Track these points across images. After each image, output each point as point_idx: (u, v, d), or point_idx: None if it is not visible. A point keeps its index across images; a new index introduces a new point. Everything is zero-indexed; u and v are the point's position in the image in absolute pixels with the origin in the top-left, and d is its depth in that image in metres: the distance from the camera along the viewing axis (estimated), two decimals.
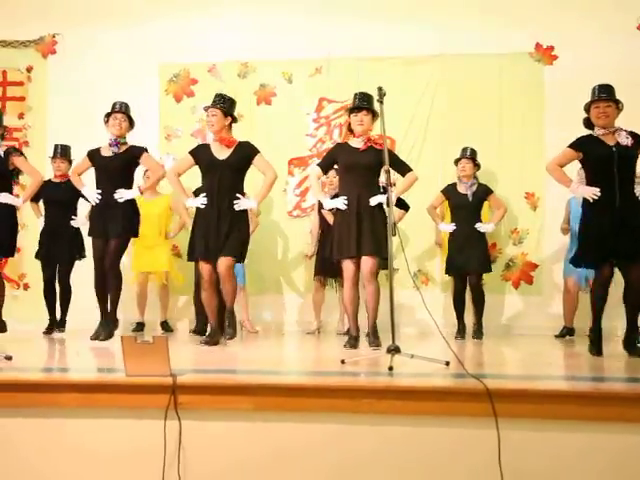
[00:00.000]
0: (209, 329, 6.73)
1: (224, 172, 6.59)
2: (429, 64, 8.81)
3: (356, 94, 6.04)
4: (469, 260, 7.73)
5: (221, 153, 6.65)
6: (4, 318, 6.99)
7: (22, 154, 7.13)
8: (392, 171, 5.62)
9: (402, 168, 6.55)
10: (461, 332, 7.75)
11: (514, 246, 8.74)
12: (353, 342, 6.28)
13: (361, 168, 6.13)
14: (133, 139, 8.58)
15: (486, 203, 7.96)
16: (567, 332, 8.08)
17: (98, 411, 4.13)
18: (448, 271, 7.88)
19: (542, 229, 8.72)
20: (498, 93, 8.75)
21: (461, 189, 7.67)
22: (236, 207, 6.52)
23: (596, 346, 5.85)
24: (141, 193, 7.24)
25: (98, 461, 4.09)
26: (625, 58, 8.41)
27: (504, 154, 8.67)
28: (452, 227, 7.80)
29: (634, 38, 8.59)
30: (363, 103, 6.26)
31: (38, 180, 7.08)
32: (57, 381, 4.55)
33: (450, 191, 7.70)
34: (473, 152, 7.94)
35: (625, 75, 7.93)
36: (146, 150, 7.17)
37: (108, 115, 7.17)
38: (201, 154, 6.73)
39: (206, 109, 6.78)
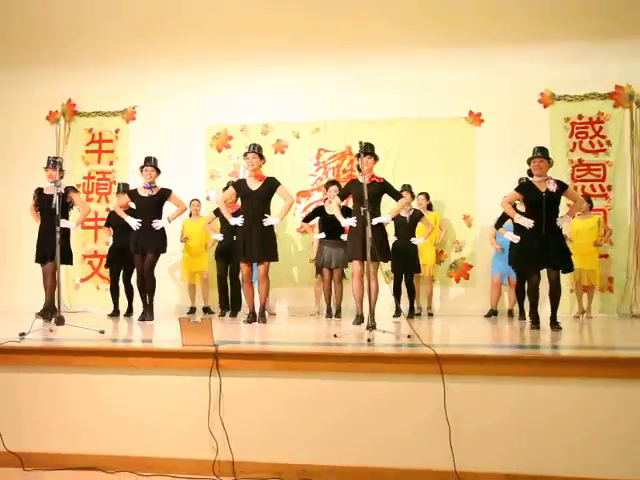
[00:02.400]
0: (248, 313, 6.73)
1: (256, 199, 6.58)
2: (394, 125, 8.79)
3: (361, 144, 5.76)
4: (406, 263, 7.72)
5: (254, 185, 6.63)
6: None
7: (77, 191, 7.14)
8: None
9: (396, 195, 6.54)
10: (398, 312, 7.58)
11: (456, 252, 8.73)
12: (360, 320, 6.23)
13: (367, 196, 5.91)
14: (188, 179, 8.72)
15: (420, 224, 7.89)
16: (492, 313, 8.06)
17: (164, 370, 4.13)
18: (392, 270, 7.76)
19: (475, 241, 8.71)
20: (443, 146, 8.70)
21: (402, 213, 7.54)
22: (265, 223, 6.51)
23: (537, 324, 6.02)
24: (169, 222, 7.08)
25: (164, 405, 4.08)
26: (529, 122, 8.41)
27: (448, 189, 8.62)
28: (421, 240, 7.78)
29: (536, 108, 8.62)
30: (368, 150, 6.19)
31: (86, 211, 7.09)
32: (135, 349, 4.56)
33: (397, 216, 7.46)
34: (409, 187, 7.90)
35: (530, 133, 7.98)
36: (171, 191, 7.08)
37: (142, 167, 7.06)
38: (240, 186, 6.73)
39: (246, 154, 6.72)
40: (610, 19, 8.11)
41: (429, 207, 8.43)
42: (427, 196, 8.39)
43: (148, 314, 6.89)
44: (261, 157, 6.71)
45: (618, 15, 8.10)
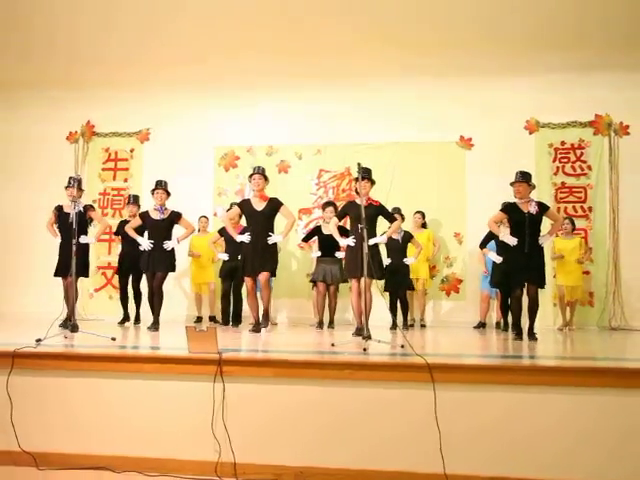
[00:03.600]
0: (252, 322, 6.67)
1: (260, 218, 6.55)
2: (390, 148, 8.79)
3: (359, 165, 5.71)
4: (399, 282, 7.65)
5: (258, 205, 6.59)
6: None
7: (94, 209, 7.14)
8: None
9: (390, 218, 6.51)
10: (394, 325, 7.44)
11: (447, 268, 8.70)
12: (359, 332, 6.03)
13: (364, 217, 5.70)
14: (197, 196, 8.73)
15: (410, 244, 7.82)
16: (481, 325, 8.04)
17: (170, 375, 4.10)
18: (387, 289, 7.63)
19: (465, 257, 8.69)
20: (436, 168, 8.72)
21: (393, 235, 7.35)
22: (269, 241, 6.48)
23: (520, 335, 6.02)
24: (178, 242, 7.03)
25: (170, 409, 4.05)
26: (516, 147, 8.44)
27: (440, 208, 8.60)
28: (412, 260, 7.72)
29: (522, 134, 8.65)
30: (365, 174, 6.11)
31: (104, 226, 7.13)
32: (144, 355, 4.53)
33: (389, 239, 7.24)
34: (399, 210, 7.84)
35: (517, 158, 8.01)
36: (181, 215, 7.04)
37: (153, 190, 7.02)
38: (245, 206, 6.69)
39: (252, 175, 6.67)
40: (591, 53, 8.16)
41: (423, 225, 8.41)
42: (423, 215, 8.37)
43: (154, 325, 6.83)
44: (265, 178, 6.68)
45: (598, 49, 8.14)
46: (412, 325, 8.11)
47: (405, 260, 7.68)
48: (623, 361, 4.67)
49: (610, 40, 8.06)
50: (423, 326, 8.21)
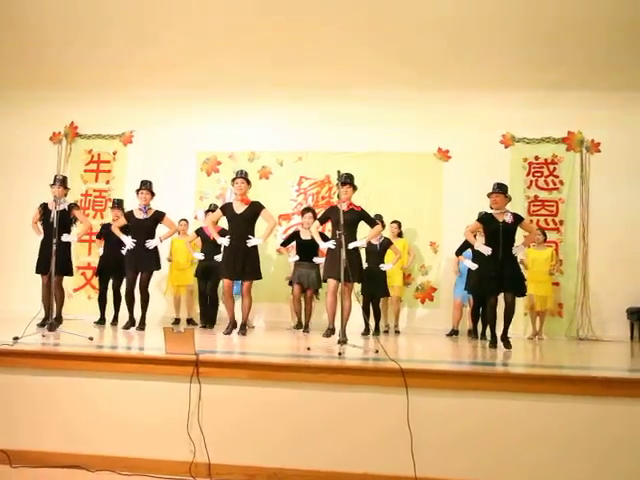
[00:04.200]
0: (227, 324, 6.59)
1: (241, 221, 6.52)
2: (369, 157, 8.84)
3: (341, 174, 5.73)
4: (375, 287, 7.64)
5: (239, 208, 6.56)
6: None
7: (79, 207, 7.05)
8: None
9: (371, 222, 6.51)
10: (367, 331, 7.47)
11: (422, 276, 8.76)
12: (330, 332, 6.19)
13: (345, 222, 5.61)
14: (179, 199, 8.69)
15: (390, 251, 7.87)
16: (454, 332, 8.08)
17: (147, 376, 4.05)
18: (362, 292, 7.58)
19: (439, 265, 8.76)
20: (413, 178, 8.79)
21: (373, 241, 7.44)
22: (249, 244, 6.44)
23: (494, 343, 6.07)
24: (161, 241, 7.00)
25: (146, 409, 4.01)
26: (491, 160, 8.56)
27: (418, 218, 8.66)
28: (389, 266, 7.74)
29: (498, 148, 8.78)
30: (347, 180, 6.20)
31: (87, 226, 7.00)
32: (121, 355, 4.48)
33: (368, 243, 7.38)
34: (380, 218, 7.74)
35: (492, 170, 8.09)
36: (165, 214, 7.01)
37: (138, 190, 6.97)
38: (227, 209, 6.65)
39: (234, 179, 6.64)
40: (565, 72, 8.29)
41: (399, 235, 8.46)
42: (399, 224, 8.41)
43: (140, 325, 6.79)
44: (248, 182, 6.66)
45: (572, 69, 8.28)
46: (386, 331, 8.13)
47: (381, 266, 7.70)
48: (593, 370, 4.75)
49: (584, 61, 8.21)
50: (397, 332, 8.24)
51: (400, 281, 8.41)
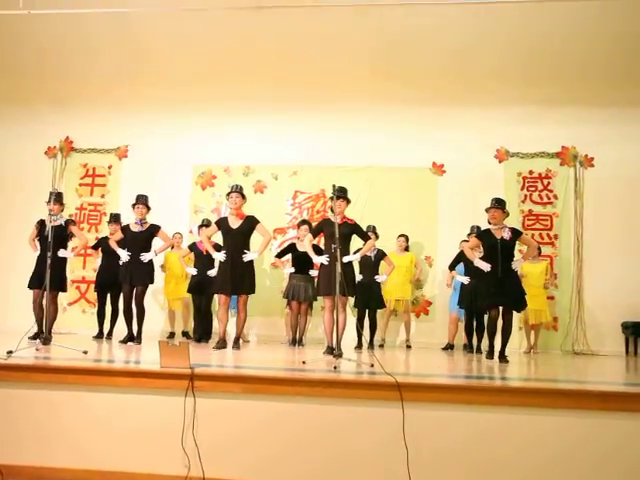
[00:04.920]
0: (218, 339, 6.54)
1: (236, 236, 6.50)
2: (364, 172, 8.89)
3: (335, 187, 5.82)
4: (370, 299, 7.65)
5: (235, 223, 6.55)
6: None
7: (75, 223, 7.05)
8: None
9: (364, 236, 6.51)
10: (359, 345, 7.53)
11: (417, 290, 8.77)
12: (330, 351, 5.95)
13: (339, 236, 5.63)
14: (174, 213, 8.70)
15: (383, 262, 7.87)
16: (449, 346, 8.08)
17: (142, 390, 4.03)
18: (356, 305, 7.62)
19: (435, 279, 8.78)
20: (408, 192, 8.83)
21: (368, 254, 7.40)
22: (244, 258, 6.43)
23: (491, 354, 6.11)
24: (156, 254, 7.03)
25: (141, 423, 3.99)
26: (486, 175, 8.63)
27: (413, 233, 8.59)
28: (384, 277, 7.75)
29: (492, 162, 8.83)
30: (341, 194, 6.18)
31: (84, 242, 7.02)
32: (116, 369, 4.47)
33: (363, 255, 7.27)
34: (374, 229, 7.87)
35: (487, 185, 8.15)
36: (160, 228, 7.06)
37: (134, 204, 7.02)
38: (222, 224, 6.63)
39: (229, 193, 6.63)
40: (559, 88, 8.41)
41: (406, 249, 8.45)
42: (406, 238, 8.40)
43: (137, 339, 6.79)
44: (243, 197, 6.66)
45: (566, 85, 8.40)
46: (381, 345, 8.12)
47: (376, 277, 7.71)
48: (589, 384, 4.76)
49: (577, 77, 8.33)
50: (409, 347, 8.21)
51: (409, 295, 8.40)
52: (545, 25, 7.97)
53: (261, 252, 6.70)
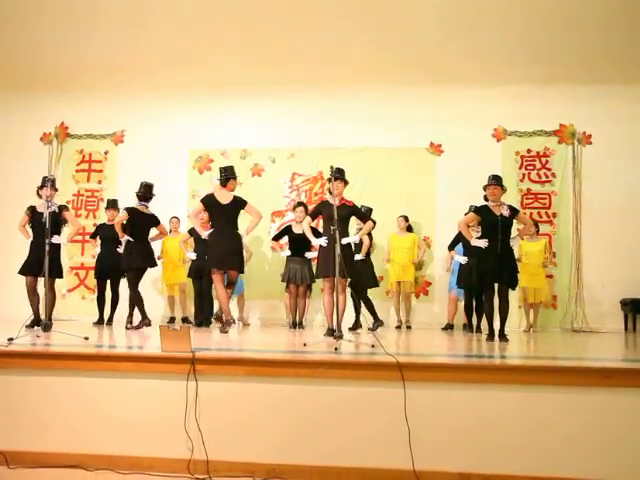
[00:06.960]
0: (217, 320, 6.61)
1: (225, 212, 6.40)
2: (362, 153, 8.85)
3: (332, 168, 5.77)
4: (364, 279, 7.56)
5: (223, 199, 6.43)
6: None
7: (69, 209, 7.02)
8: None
9: (362, 218, 6.49)
10: (355, 325, 7.58)
11: (417, 271, 8.75)
12: (331, 332, 5.93)
13: (337, 218, 5.58)
14: (171, 198, 8.66)
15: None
16: (449, 327, 8.11)
17: (145, 374, 4.03)
18: (350, 286, 7.67)
19: (434, 260, 8.78)
20: (406, 173, 8.81)
21: None
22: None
23: (491, 336, 6.07)
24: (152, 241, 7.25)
25: (143, 407, 4.00)
26: (484, 154, 8.59)
27: (411, 213, 8.56)
28: (360, 256, 7.65)
29: (490, 142, 8.80)
30: (338, 175, 6.12)
31: (77, 228, 6.98)
32: (117, 354, 4.47)
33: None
34: (369, 210, 7.76)
35: (485, 164, 8.10)
36: (160, 222, 7.29)
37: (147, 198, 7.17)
38: (209, 201, 6.48)
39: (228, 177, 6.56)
40: (557, 66, 8.34)
41: (409, 229, 8.43)
42: (406, 218, 8.38)
43: (146, 320, 6.86)
44: (234, 179, 6.61)
45: (564, 63, 8.32)
46: (409, 327, 8.14)
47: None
48: (589, 360, 4.76)
49: (575, 54, 8.25)
50: (409, 327, 8.24)
51: (412, 276, 8.39)
52: (544, 2, 7.89)
53: (249, 231, 6.60)
